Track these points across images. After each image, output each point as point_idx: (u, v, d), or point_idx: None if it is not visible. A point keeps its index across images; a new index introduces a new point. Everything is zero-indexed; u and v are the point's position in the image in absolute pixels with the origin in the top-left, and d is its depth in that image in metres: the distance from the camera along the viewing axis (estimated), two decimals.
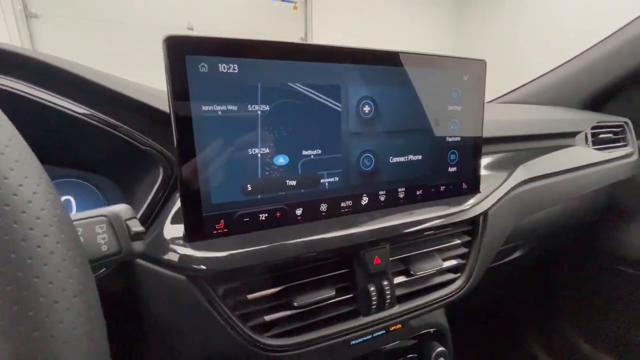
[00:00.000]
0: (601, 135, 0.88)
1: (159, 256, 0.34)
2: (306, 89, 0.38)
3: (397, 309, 0.44)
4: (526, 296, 1.19)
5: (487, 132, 0.53)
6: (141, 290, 0.37)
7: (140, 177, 0.39)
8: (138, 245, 0.25)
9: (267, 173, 0.37)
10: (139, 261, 0.36)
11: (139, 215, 0.36)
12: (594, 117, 0.89)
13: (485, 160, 0.63)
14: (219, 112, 0.34)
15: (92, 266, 0.20)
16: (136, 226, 0.24)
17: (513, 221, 0.62)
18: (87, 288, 0.17)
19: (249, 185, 0.36)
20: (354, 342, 0.47)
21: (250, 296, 0.37)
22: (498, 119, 0.73)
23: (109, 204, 0.40)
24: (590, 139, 0.85)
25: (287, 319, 0.39)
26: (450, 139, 0.49)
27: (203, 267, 0.34)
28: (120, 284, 0.38)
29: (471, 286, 0.51)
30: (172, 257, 0.34)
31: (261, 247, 0.35)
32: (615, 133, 0.92)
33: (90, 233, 0.22)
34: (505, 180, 0.58)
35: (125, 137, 0.36)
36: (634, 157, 0.92)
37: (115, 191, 0.42)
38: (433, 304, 0.47)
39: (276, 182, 0.38)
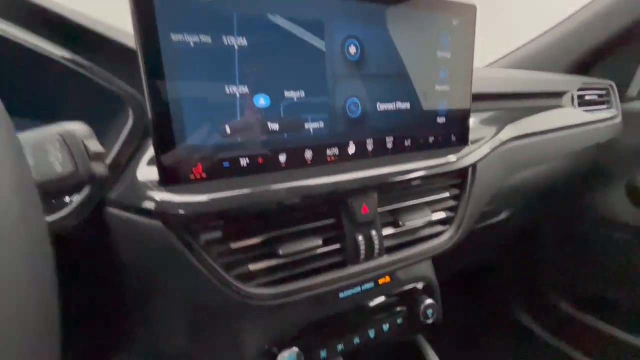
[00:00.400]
0: (587, 97, 0.88)
1: (133, 202, 0.32)
2: (287, 22, 0.35)
3: (385, 259, 0.44)
4: (511, 261, 1.22)
5: (475, 89, 0.52)
6: (116, 243, 0.35)
7: (109, 123, 0.36)
8: (98, 167, 0.22)
9: (247, 114, 0.35)
10: (112, 210, 0.33)
11: (108, 161, 0.33)
12: (580, 79, 0.89)
13: (473, 117, 0.62)
14: (191, 44, 0.31)
15: (49, 197, 0.17)
16: (95, 146, 0.22)
17: (501, 177, 0.62)
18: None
19: (227, 127, 0.34)
20: (342, 295, 0.46)
21: (233, 245, 0.35)
22: (486, 76, 0.72)
23: None
24: (576, 100, 0.85)
25: (273, 268, 0.38)
26: (439, 88, 0.47)
27: (182, 211, 0.31)
28: (93, 237, 0.35)
29: (460, 239, 0.51)
30: (147, 202, 0.32)
31: (243, 190, 0.33)
32: (600, 95, 0.93)
33: (41, 153, 0.19)
34: (494, 135, 0.58)
35: (90, 76, 0.33)
36: (618, 120, 0.93)
37: None
38: (422, 255, 0.47)
39: (257, 125, 0.36)
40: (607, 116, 0.90)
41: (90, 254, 0.38)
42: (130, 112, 0.34)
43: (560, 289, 1.13)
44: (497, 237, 0.99)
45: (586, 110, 0.85)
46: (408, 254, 0.45)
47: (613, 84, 0.96)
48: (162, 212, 0.31)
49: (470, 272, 1.15)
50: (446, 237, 0.49)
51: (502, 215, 0.81)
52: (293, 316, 0.43)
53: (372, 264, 0.43)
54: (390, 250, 0.45)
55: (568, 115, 0.80)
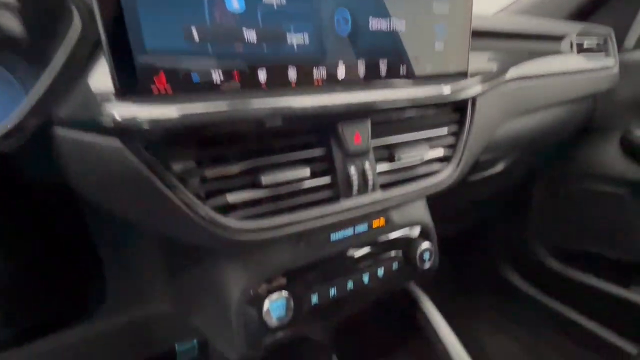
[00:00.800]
0: (586, 45, 0.84)
1: (86, 118, 0.27)
2: None
3: (380, 195, 0.40)
4: (502, 220, 1.22)
5: (475, 26, 0.47)
6: (71, 171, 0.30)
7: (54, 28, 0.30)
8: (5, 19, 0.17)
9: (217, 18, 0.30)
10: (61, 130, 0.28)
11: (51, 78, 0.28)
12: (579, 25, 0.85)
13: (472, 55, 0.58)
14: None
15: None
16: None
17: (500, 119, 0.58)
18: None
19: (194, 30, 0.29)
20: (334, 237, 0.43)
21: (209, 172, 0.31)
22: (487, 19, 0.67)
23: (25, 89, 0.31)
24: (575, 46, 0.81)
25: (256, 201, 0.34)
26: (437, 8, 0.42)
27: (146, 127, 0.27)
28: (46, 164, 0.30)
29: (458, 179, 0.48)
30: (103, 117, 0.27)
31: (219, 105, 0.29)
32: (598, 44, 0.89)
33: None
34: (495, 73, 0.54)
35: None
36: (615, 70, 0.90)
37: (28, 69, 0.33)
38: (418, 193, 0.43)
39: (230, 31, 0.30)
40: (605, 65, 0.87)
41: (47, 185, 0.33)
42: (76, 12, 0.28)
43: (548, 246, 1.14)
44: (490, 194, 0.98)
45: (584, 57, 0.82)
46: (404, 192, 0.42)
47: (612, 32, 0.93)
48: (122, 129, 0.27)
49: (461, 235, 1.14)
50: (444, 176, 0.46)
51: (498, 168, 0.78)
52: (281, 259, 0.40)
53: (365, 199, 0.39)
54: (385, 187, 0.41)
55: (567, 61, 0.77)
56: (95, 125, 0.27)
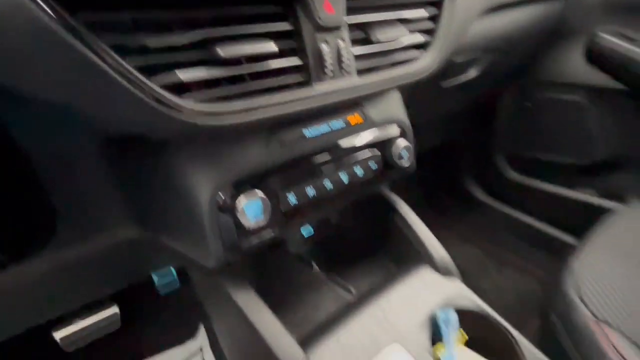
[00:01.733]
0: None
1: None
2: None
3: (356, 80, 0.36)
4: (469, 137, 1.26)
5: None
6: None
7: None
8: None
9: None
10: None
11: None
12: None
13: None
14: None
15: None
16: None
17: (479, 9, 0.54)
18: None
19: None
20: (309, 133, 0.39)
21: (151, 41, 0.25)
22: None
23: None
24: None
25: (215, 81, 0.29)
26: None
27: None
28: None
29: (436, 68, 0.44)
30: None
31: None
32: None
33: None
34: None
35: None
36: None
37: None
38: (397, 80, 0.40)
39: None
40: None
41: None
42: None
43: (509, 157, 1.20)
44: (464, 104, 0.98)
45: None
46: (382, 78, 0.38)
47: None
48: None
49: (430, 151, 1.16)
50: (422, 64, 0.42)
51: (471, 74, 0.76)
52: (253, 157, 0.36)
53: (340, 84, 0.35)
54: (361, 73, 0.37)
55: None
56: None
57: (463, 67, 0.72)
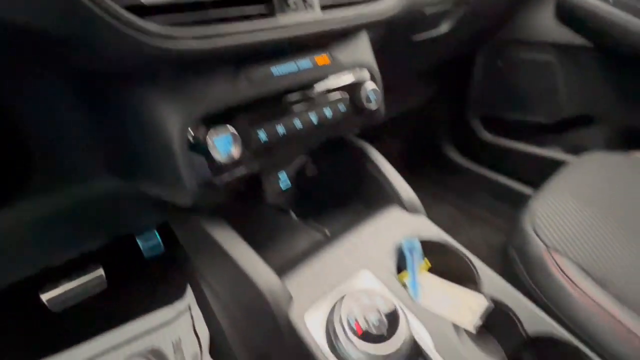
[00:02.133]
0: None
1: None
2: None
3: (319, 15, 0.37)
4: (445, 99, 1.28)
5: None
6: None
7: None
8: None
9: None
10: None
11: None
12: None
13: None
14: None
15: None
16: None
17: None
18: None
19: None
20: (276, 71, 0.41)
21: None
22: None
23: None
24: None
25: (178, 8, 0.29)
26: None
27: None
28: None
29: (403, 9, 0.46)
30: None
31: None
32: None
33: None
34: None
35: None
36: None
37: None
38: (361, 19, 0.41)
39: None
40: None
41: None
42: None
43: (483, 118, 1.24)
44: (437, 60, 0.99)
45: None
46: (345, 15, 0.39)
47: None
48: None
49: (409, 110, 1.19)
50: (387, 4, 0.44)
51: (443, 28, 0.77)
52: (221, 92, 0.37)
53: (303, 17, 0.36)
54: (325, 8, 0.38)
55: None
56: None
57: (434, 21, 0.73)
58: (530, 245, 0.55)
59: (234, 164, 0.39)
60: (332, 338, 0.36)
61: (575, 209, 0.59)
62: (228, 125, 0.37)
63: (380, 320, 0.35)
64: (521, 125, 1.15)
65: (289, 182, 0.67)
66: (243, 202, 0.64)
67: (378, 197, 0.57)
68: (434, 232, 0.49)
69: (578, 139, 1.11)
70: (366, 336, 0.34)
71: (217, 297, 0.73)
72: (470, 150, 1.31)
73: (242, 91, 0.38)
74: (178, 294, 0.99)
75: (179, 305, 0.97)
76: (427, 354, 0.36)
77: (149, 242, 0.98)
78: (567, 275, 0.49)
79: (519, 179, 1.19)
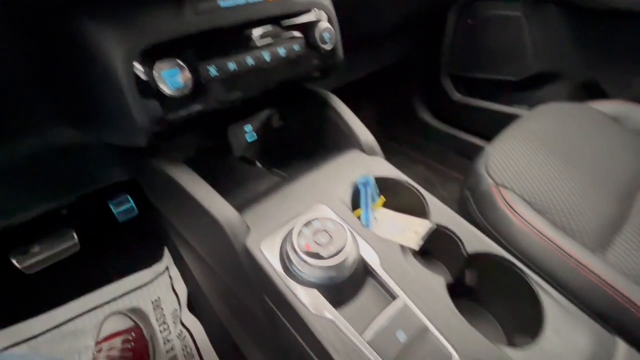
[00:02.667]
0: None
1: None
2: None
3: None
4: (417, 59, 1.29)
5: None
6: None
7: None
8: None
9: None
10: None
11: None
12: None
13: None
14: None
15: None
16: None
17: None
18: None
19: None
20: (223, 4, 0.40)
21: None
22: None
23: None
24: None
25: None
26: None
27: None
28: None
29: None
30: None
31: None
32: None
33: None
34: None
35: None
36: None
37: None
38: None
39: None
40: None
41: None
42: None
43: (455, 79, 1.25)
44: (407, 14, 0.99)
45: None
46: None
47: None
48: None
49: (382, 69, 1.19)
50: None
51: None
52: (166, 22, 0.37)
53: None
54: None
55: None
56: None
57: None
58: (481, 184, 0.58)
59: (185, 99, 0.39)
60: (286, 260, 0.38)
61: (525, 152, 0.62)
62: (177, 60, 0.37)
63: (329, 240, 0.37)
64: (490, 84, 1.18)
65: (254, 135, 0.68)
66: (211, 157, 0.65)
67: (340, 143, 0.58)
68: (389, 170, 0.51)
69: (544, 95, 1.14)
70: (316, 255, 0.36)
71: (193, 252, 0.74)
72: (443, 110, 1.33)
73: (188, 22, 0.38)
74: (156, 256, 1.01)
75: (157, 267, 0.99)
76: (375, 272, 0.39)
77: (122, 206, 0.98)
78: (510, 206, 0.53)
79: (489, 139, 1.22)
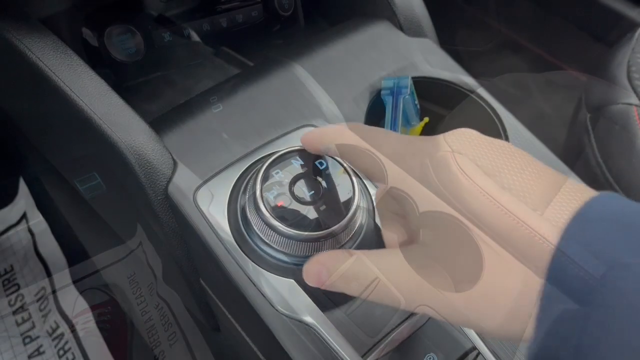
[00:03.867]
0: None
1: None
2: None
3: None
4: None
5: None
6: None
7: None
8: None
9: None
10: None
11: None
12: None
13: None
14: None
15: None
16: None
17: None
18: None
19: None
20: None
21: None
22: None
23: None
24: None
25: None
26: None
27: None
28: None
29: None
30: None
31: None
32: None
33: None
34: None
35: None
36: None
37: None
38: None
39: None
40: None
41: None
42: None
43: None
44: None
45: None
46: None
47: None
48: None
49: None
50: None
51: None
52: None
53: None
54: None
55: None
56: None
57: None
58: (439, 152, 0.60)
59: (139, 64, 0.39)
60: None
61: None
62: (129, 26, 0.36)
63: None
64: (456, 54, 1.19)
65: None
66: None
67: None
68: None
69: (507, 66, 1.17)
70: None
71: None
72: None
73: None
74: (129, 233, 1.00)
75: (130, 244, 0.99)
76: None
77: (87, 183, 0.96)
78: (462, 170, 0.56)
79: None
